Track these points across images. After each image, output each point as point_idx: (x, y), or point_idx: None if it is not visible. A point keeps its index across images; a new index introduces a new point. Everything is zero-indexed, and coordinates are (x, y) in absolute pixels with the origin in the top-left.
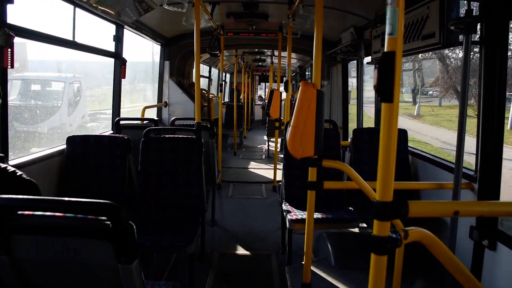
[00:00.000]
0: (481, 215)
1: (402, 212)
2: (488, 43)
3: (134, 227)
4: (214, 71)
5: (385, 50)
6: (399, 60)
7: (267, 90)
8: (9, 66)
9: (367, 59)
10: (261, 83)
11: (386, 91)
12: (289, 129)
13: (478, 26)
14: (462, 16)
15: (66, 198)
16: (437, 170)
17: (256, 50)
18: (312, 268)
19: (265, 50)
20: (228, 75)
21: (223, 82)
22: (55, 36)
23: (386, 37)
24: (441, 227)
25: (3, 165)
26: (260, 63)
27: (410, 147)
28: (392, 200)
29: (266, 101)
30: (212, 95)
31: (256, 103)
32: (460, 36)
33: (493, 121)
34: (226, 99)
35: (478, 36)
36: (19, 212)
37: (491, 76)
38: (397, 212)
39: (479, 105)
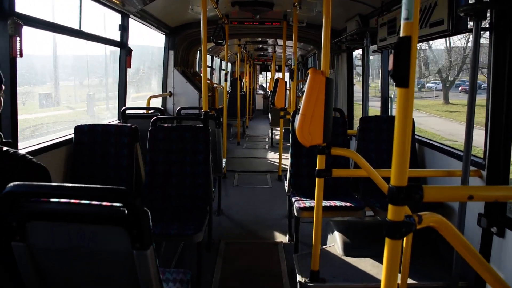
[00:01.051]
0: (495, 200)
1: (417, 197)
2: (498, 30)
3: (149, 213)
4: (216, 61)
5: (401, 35)
6: (415, 45)
7: (268, 79)
8: (18, 55)
9: (373, 47)
10: (262, 73)
11: (402, 76)
12: (298, 117)
13: (488, 13)
14: (471, 2)
15: (81, 185)
16: (444, 158)
17: (260, 39)
18: (320, 256)
19: (268, 39)
20: (229, 65)
21: (227, 72)
22: (62, 26)
23: (402, 21)
24: (449, 214)
25: (12, 150)
26: (262, 52)
27: (416, 135)
28: (407, 185)
29: (267, 90)
30: (216, 85)
31: (257, 92)
32: (469, 23)
33: (502, 108)
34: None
35: (488, 22)
36: (34, 199)
37: (500, 63)
38: (412, 196)
39: (488, 92)
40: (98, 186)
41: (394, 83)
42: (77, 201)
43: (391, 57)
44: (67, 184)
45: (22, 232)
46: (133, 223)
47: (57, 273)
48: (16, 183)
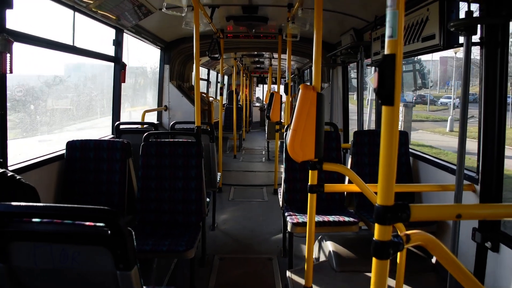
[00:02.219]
0: (484, 218)
1: (403, 216)
2: (488, 44)
3: (133, 233)
4: (212, 73)
5: (386, 52)
6: (400, 62)
7: (264, 92)
8: (8, 72)
9: (367, 61)
10: (259, 85)
11: (386, 94)
12: (289, 132)
13: (479, 28)
14: (462, 17)
15: (64, 205)
16: (438, 172)
17: (255, 52)
18: (314, 271)
19: (264, 53)
20: (226, 77)
21: (223, 85)
22: (55, 41)
23: (386, 39)
24: (443, 229)
25: (1, 170)
26: (258, 65)
27: (411, 149)
28: (394, 204)
29: (264, 103)
30: (212, 98)
31: (254, 105)
32: (460, 38)
33: (494, 122)
34: (224, 102)
35: (478, 37)
36: (17, 219)
37: (491, 77)
38: (399, 216)
39: (480, 105)
40: (81, 206)
41: (379, 101)
42: (59, 221)
43: (375, 75)
44: (49, 204)
45: (4, 253)
46: (116, 243)
47: None
48: None
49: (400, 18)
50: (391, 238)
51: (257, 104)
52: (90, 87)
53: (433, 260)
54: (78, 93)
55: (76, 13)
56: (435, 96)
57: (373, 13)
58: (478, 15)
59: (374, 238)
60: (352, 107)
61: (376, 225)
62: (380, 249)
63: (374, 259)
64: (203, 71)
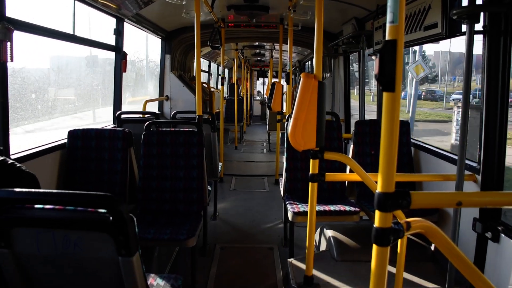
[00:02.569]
0: (484, 206)
1: (404, 203)
2: (491, 33)
3: (135, 219)
4: (213, 66)
5: (387, 38)
6: (401, 48)
7: (265, 85)
8: (8, 60)
9: (369, 51)
10: (259, 78)
11: (387, 80)
12: (291, 121)
13: (482, 16)
14: (465, 5)
15: (66, 191)
16: (440, 162)
17: (257, 43)
18: (315, 261)
19: (265, 44)
20: (226, 71)
21: (224, 77)
22: (55, 30)
23: (388, 25)
24: (444, 219)
25: (1, 157)
26: (259, 58)
27: (412, 139)
28: (395, 191)
29: (265, 96)
30: (213, 89)
31: (255, 98)
32: (463, 27)
33: (496, 112)
34: (225, 94)
35: (481, 25)
36: (19, 205)
37: (494, 66)
38: (399, 203)
39: (482, 96)
40: (83, 192)
41: (380, 87)
42: (62, 207)
43: (376, 61)
44: (51, 190)
45: (7, 239)
46: (118, 230)
47: (44, 280)
48: (0, 189)
49: (401, 3)
50: (391, 225)
51: (258, 98)
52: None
53: (432, 247)
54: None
55: (77, 2)
56: (447, 92)
57: (375, 2)
58: (481, 3)
59: (374, 225)
60: (354, 103)
61: (377, 212)
62: (381, 236)
63: (374, 246)
64: (204, 63)
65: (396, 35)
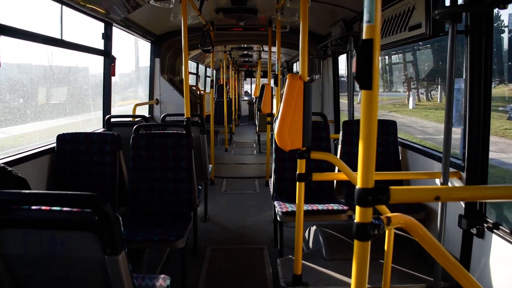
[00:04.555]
0: (462, 200)
1: (383, 198)
2: (473, 32)
3: (120, 218)
4: (201, 68)
5: (363, 37)
6: (377, 47)
7: (253, 85)
8: None
9: None
10: (246, 79)
11: (365, 78)
12: (277, 122)
13: (464, 16)
14: (447, 6)
15: (51, 191)
16: (427, 161)
17: (245, 45)
18: (304, 260)
19: (253, 46)
20: (214, 72)
21: (213, 79)
22: (42, 35)
23: (364, 24)
24: (431, 217)
25: None
26: (247, 59)
27: (399, 138)
28: (374, 186)
29: (253, 96)
30: (203, 91)
31: (243, 98)
32: (446, 26)
33: (479, 109)
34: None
35: (464, 25)
36: (5, 207)
37: (476, 64)
38: (379, 198)
39: (465, 93)
40: (67, 192)
41: (358, 86)
42: (48, 208)
43: (354, 60)
44: (36, 191)
45: None
46: (103, 228)
47: (30, 280)
48: None
49: (377, 4)
50: (371, 220)
51: (246, 98)
52: None
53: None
54: None
55: (64, 7)
56: None
57: (362, 3)
58: (462, 3)
59: (355, 221)
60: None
61: (357, 208)
62: (361, 231)
63: (355, 241)
64: (192, 65)
65: (373, 35)
